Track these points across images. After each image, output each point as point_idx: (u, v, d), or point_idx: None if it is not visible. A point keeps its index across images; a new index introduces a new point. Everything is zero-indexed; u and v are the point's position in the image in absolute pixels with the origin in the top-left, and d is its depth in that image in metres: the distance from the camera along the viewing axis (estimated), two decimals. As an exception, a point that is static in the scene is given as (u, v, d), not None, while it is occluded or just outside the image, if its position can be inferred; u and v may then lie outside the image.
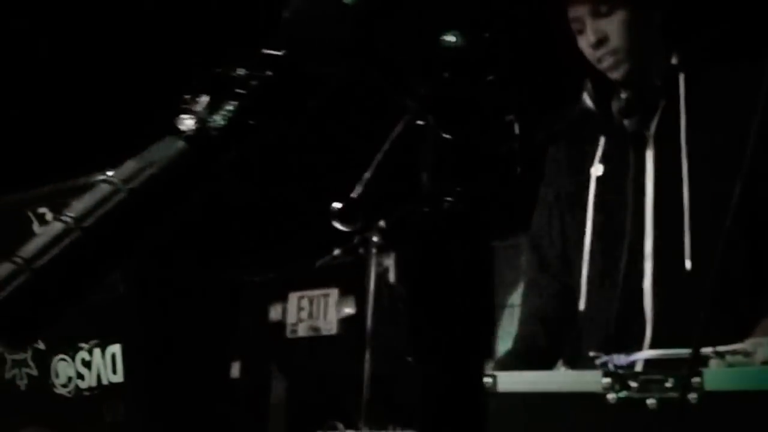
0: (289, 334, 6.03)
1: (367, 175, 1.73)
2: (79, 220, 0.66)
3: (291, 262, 5.79)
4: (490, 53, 0.66)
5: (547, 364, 1.97)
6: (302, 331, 5.99)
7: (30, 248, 0.65)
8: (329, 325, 5.95)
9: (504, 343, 5.62)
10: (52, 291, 0.64)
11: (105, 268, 0.66)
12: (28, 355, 1.43)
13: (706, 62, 1.84)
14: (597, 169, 1.86)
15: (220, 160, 0.68)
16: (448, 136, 0.67)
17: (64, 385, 1.39)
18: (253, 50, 0.68)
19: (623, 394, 1.22)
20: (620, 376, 1.22)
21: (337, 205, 1.67)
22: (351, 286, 6.00)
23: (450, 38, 0.67)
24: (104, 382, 1.35)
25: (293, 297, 6.00)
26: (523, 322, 2.16)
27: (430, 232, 0.64)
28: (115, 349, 1.34)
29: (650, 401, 1.19)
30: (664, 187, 1.74)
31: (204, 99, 0.68)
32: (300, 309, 5.99)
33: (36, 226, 1.41)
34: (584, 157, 1.87)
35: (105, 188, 0.67)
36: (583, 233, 1.83)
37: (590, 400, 1.24)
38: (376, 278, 4.86)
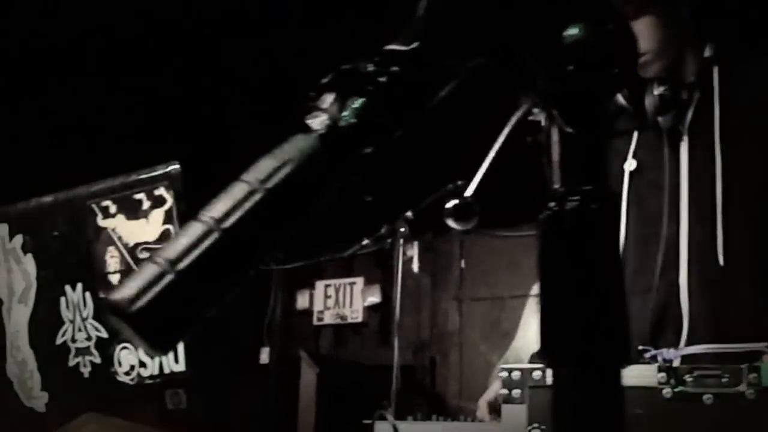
0: (315, 322, 6.05)
1: (481, 171, 1.70)
2: (219, 221, 0.65)
3: (317, 252, 5.79)
4: (613, 45, 0.66)
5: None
6: (329, 318, 6.01)
7: (172, 249, 0.65)
8: (355, 313, 5.96)
9: (528, 333, 5.56)
10: (196, 293, 0.64)
11: (245, 269, 0.66)
12: (92, 343, 1.44)
13: (740, 54, 1.82)
14: (630, 165, 1.85)
15: (350, 157, 0.67)
16: (571, 131, 0.66)
17: (127, 373, 1.40)
18: (380, 45, 0.68)
19: (679, 388, 1.22)
20: (675, 371, 1.22)
21: (452, 203, 1.65)
22: (375, 275, 6.01)
23: (574, 31, 0.66)
24: (166, 370, 1.35)
25: (320, 285, 6.03)
26: (546, 317, 2.14)
27: (562, 232, 0.63)
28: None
29: (706, 396, 1.19)
30: (699, 181, 1.73)
31: (331, 96, 0.67)
32: (326, 297, 6.01)
33: (99, 219, 1.42)
34: (617, 152, 1.86)
35: (242, 188, 0.67)
36: None
37: (645, 394, 1.24)
38: (402, 268, 4.85)
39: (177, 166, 1.34)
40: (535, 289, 5.59)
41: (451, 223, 1.75)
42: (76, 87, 3.80)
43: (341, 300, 5.98)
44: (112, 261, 1.41)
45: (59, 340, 1.49)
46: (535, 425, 1.42)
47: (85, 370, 1.45)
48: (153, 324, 0.63)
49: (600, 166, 0.65)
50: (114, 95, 3.87)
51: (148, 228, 1.36)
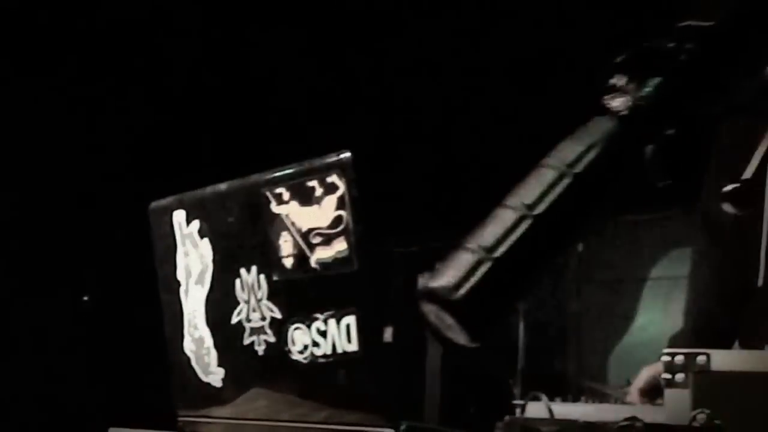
0: (436, 303, 6.05)
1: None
2: (530, 207, 0.63)
3: (438, 234, 5.76)
4: None
5: (725, 343, 1.87)
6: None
7: (486, 237, 0.63)
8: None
9: (649, 316, 5.39)
10: (513, 280, 0.63)
11: (557, 254, 0.64)
12: (266, 323, 1.47)
13: None
14: None
15: (649, 138, 0.64)
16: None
17: (300, 352, 1.42)
18: (677, 22, 0.64)
19: None
20: None
21: (731, 186, 1.59)
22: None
23: None
24: (339, 350, 1.36)
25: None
26: (695, 298, 2.06)
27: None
28: (350, 320, 1.35)
29: None
30: None
31: (626, 76, 0.64)
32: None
33: (273, 205, 1.44)
34: (760, 132, 1.77)
35: (550, 173, 0.64)
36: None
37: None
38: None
39: (348, 154, 1.34)
40: (657, 272, 5.39)
41: (727, 207, 1.64)
42: (248, 79, 3.87)
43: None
44: (286, 245, 1.43)
45: (234, 320, 1.52)
46: (700, 410, 1.36)
47: (260, 349, 1.48)
48: (474, 312, 0.61)
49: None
50: (287, 85, 3.92)
51: (320, 214, 1.38)
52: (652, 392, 1.88)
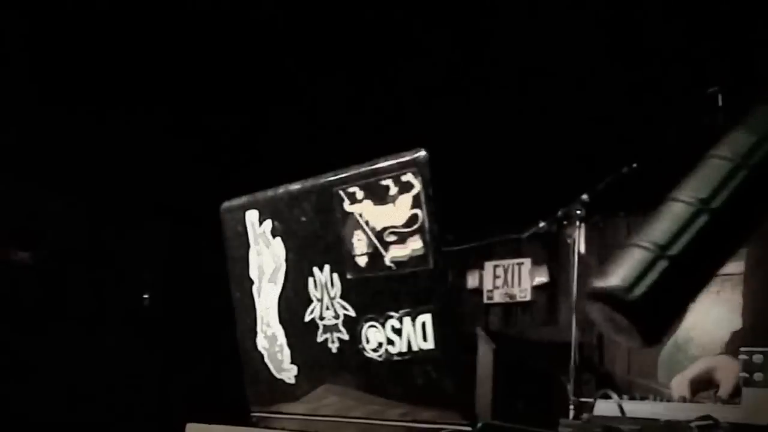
0: (485, 300, 6.02)
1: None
2: (706, 201, 0.60)
3: (486, 233, 5.71)
4: None
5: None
6: (498, 297, 5.96)
7: (660, 233, 0.60)
8: (523, 292, 5.88)
9: (698, 313, 5.28)
10: (690, 278, 0.60)
11: (734, 249, 0.61)
12: (339, 321, 1.46)
13: None
14: None
15: None
16: None
17: (375, 350, 1.41)
18: None
19: None
20: None
21: None
22: (542, 255, 5.89)
23: None
24: (414, 348, 1.35)
25: (489, 266, 5.99)
26: (754, 298, 2.00)
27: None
28: (426, 318, 1.33)
29: None
30: None
31: None
32: (495, 277, 5.96)
33: (346, 204, 1.43)
34: None
35: (724, 165, 0.61)
36: None
37: None
38: (568, 249, 4.72)
39: (424, 153, 1.33)
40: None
41: None
42: (324, 80, 3.85)
43: (510, 279, 5.91)
44: (359, 244, 1.42)
45: (307, 318, 1.52)
46: (780, 410, 1.32)
47: (333, 346, 1.48)
48: (651, 313, 0.58)
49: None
50: (359, 86, 3.90)
51: (395, 212, 1.36)
52: (702, 385, 1.84)
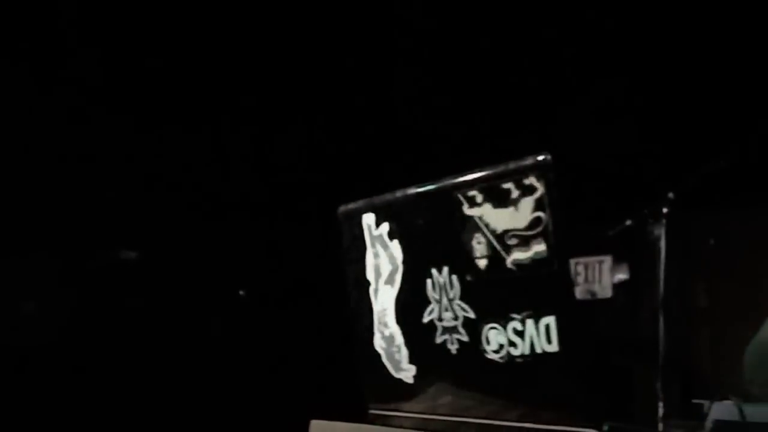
0: (567, 297, 5.92)
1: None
2: None
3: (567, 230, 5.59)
4: None
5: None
6: (579, 294, 5.86)
7: None
8: (604, 289, 5.77)
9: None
10: None
11: None
12: (459, 322, 1.45)
13: None
14: None
15: None
16: None
17: (496, 351, 1.39)
18: None
19: None
20: None
21: None
22: (623, 253, 5.77)
23: None
24: (538, 350, 1.33)
25: (570, 263, 5.88)
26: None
27: None
28: (550, 320, 1.31)
29: None
30: None
31: None
32: (576, 274, 5.87)
33: (466, 208, 1.42)
34: None
35: None
36: None
37: None
38: (649, 247, 4.61)
39: (548, 157, 1.31)
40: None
41: None
42: (439, 85, 3.79)
43: (591, 277, 5.81)
44: (479, 247, 1.40)
45: (426, 319, 1.51)
46: None
47: (452, 347, 1.47)
48: None
49: None
50: (486, 89, 3.85)
51: (517, 216, 1.34)
52: None
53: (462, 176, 1.43)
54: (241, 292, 3.90)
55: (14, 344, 3.42)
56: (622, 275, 5.77)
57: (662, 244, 4.29)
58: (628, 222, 4.27)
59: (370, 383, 1.62)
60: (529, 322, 1.33)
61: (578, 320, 1.31)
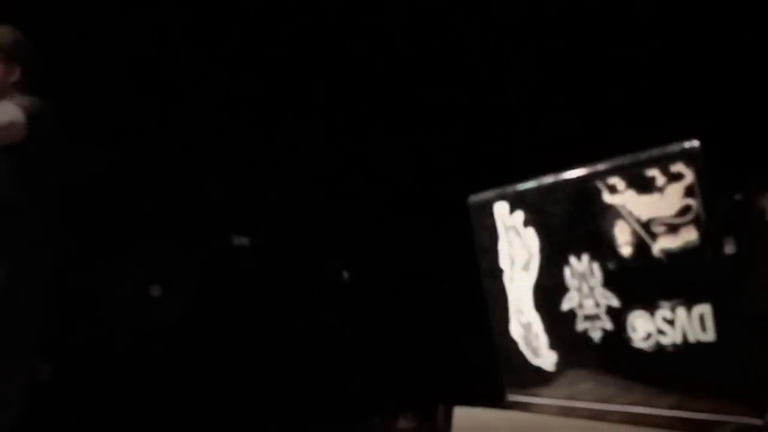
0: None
1: None
2: None
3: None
4: None
5: None
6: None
7: None
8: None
9: None
10: None
11: None
12: (601, 310, 1.40)
13: None
14: None
15: None
16: None
17: (644, 340, 1.34)
18: None
19: None
20: None
21: None
22: (728, 227, 5.53)
23: None
24: (691, 339, 1.27)
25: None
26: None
27: None
28: (704, 309, 1.25)
29: None
30: None
31: None
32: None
33: (606, 195, 1.37)
34: None
35: None
36: None
37: None
38: (759, 219, 4.40)
39: (696, 143, 1.24)
40: None
41: None
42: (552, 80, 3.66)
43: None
44: (622, 234, 1.35)
45: (565, 307, 1.47)
46: None
47: (595, 335, 1.42)
48: None
49: None
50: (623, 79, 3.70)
51: (663, 203, 1.28)
52: None
53: (602, 164, 1.38)
54: (344, 273, 3.90)
55: (141, 325, 3.51)
56: (727, 249, 5.54)
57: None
58: (737, 196, 4.10)
59: (508, 370, 1.59)
60: (680, 311, 1.28)
61: (740, 308, 1.24)
